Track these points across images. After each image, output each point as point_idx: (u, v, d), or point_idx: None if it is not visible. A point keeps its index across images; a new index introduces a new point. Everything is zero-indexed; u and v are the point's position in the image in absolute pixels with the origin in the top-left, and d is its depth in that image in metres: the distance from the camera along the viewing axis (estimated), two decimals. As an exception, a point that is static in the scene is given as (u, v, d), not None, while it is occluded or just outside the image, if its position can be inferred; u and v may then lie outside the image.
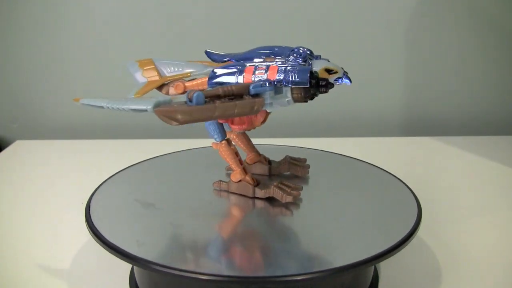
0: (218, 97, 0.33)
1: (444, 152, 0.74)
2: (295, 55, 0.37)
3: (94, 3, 0.77)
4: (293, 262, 0.33)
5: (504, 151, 0.73)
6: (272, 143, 0.53)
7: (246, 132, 0.44)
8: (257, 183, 0.41)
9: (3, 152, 0.74)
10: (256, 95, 0.35)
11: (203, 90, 0.34)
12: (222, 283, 0.30)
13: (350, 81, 0.37)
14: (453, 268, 0.43)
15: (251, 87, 0.35)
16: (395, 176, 0.46)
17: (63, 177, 0.63)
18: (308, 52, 0.37)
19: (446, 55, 0.82)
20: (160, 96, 0.34)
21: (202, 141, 0.65)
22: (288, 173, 0.45)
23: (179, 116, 0.31)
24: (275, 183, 0.40)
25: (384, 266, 0.42)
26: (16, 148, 0.75)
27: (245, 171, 0.41)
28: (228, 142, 0.41)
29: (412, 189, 0.43)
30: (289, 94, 0.36)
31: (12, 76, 0.80)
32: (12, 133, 0.83)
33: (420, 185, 0.46)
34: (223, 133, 0.40)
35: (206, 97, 0.32)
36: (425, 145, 0.76)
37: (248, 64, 0.37)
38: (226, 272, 0.31)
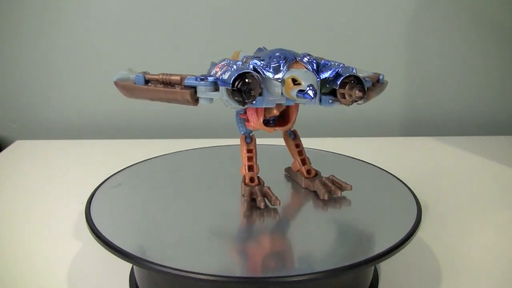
0: (157, 81, 0.36)
1: (444, 152, 0.74)
2: (271, 58, 0.35)
3: (94, 4, 0.77)
4: (293, 262, 0.33)
5: (504, 151, 0.73)
6: (272, 143, 0.53)
7: (289, 137, 0.44)
8: (257, 183, 0.41)
9: (3, 152, 0.74)
10: (189, 87, 0.35)
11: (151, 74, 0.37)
12: (222, 283, 0.30)
13: (311, 96, 0.32)
14: (453, 268, 0.43)
15: (185, 79, 0.35)
16: (395, 176, 0.46)
17: (63, 177, 0.63)
18: (293, 58, 0.35)
19: (446, 55, 0.82)
20: (132, 74, 0.39)
21: (202, 141, 0.65)
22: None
23: (122, 91, 0.39)
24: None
25: (384, 266, 0.42)
26: (16, 148, 0.75)
27: (251, 169, 0.41)
28: (248, 137, 0.42)
29: (412, 189, 0.43)
30: (224, 93, 0.34)
31: (12, 76, 0.80)
32: (12, 133, 0.83)
33: (420, 185, 0.46)
34: (245, 127, 0.41)
35: (147, 80, 0.37)
36: (425, 145, 0.76)
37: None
38: (226, 272, 0.31)
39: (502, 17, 0.80)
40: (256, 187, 0.40)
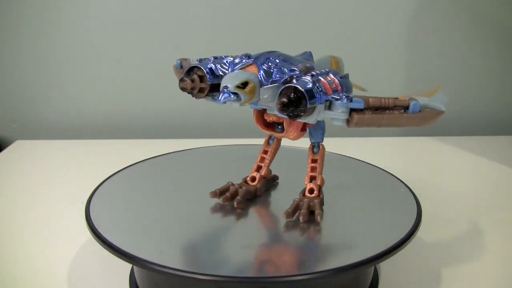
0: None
1: (444, 152, 0.74)
2: (240, 58, 0.36)
3: (94, 4, 0.77)
4: (293, 262, 0.33)
5: (504, 151, 0.73)
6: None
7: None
8: (255, 183, 0.42)
9: (3, 152, 0.74)
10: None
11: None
12: (222, 283, 0.30)
13: (218, 98, 0.33)
14: (453, 268, 0.43)
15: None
16: (395, 176, 0.46)
17: (63, 177, 0.63)
18: (251, 60, 0.35)
19: (446, 55, 0.82)
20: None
21: (202, 141, 0.65)
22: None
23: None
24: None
25: (384, 266, 0.42)
26: (16, 148, 0.75)
27: (258, 169, 0.42)
28: (271, 138, 0.42)
29: (412, 189, 0.43)
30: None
31: (12, 76, 0.80)
32: (12, 133, 0.83)
33: (420, 185, 0.46)
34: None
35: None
36: (425, 145, 0.76)
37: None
38: (226, 272, 0.31)
39: (502, 17, 0.80)
40: (237, 186, 0.41)
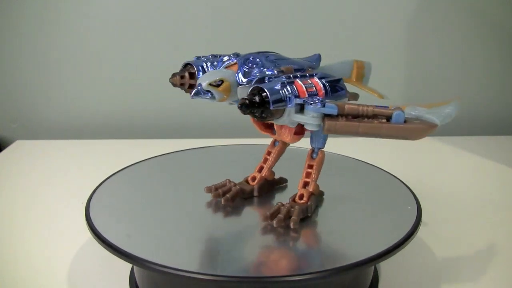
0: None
1: (444, 152, 0.74)
2: (228, 57, 0.37)
3: (94, 4, 0.77)
4: (293, 262, 0.33)
5: (504, 151, 0.73)
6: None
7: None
8: (252, 183, 0.42)
9: (3, 152, 0.74)
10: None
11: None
12: (222, 283, 0.30)
13: (191, 94, 0.34)
14: (453, 268, 0.43)
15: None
16: (395, 176, 0.46)
17: (63, 177, 0.63)
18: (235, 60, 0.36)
19: (446, 55, 0.82)
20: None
21: (202, 141, 0.65)
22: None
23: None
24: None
25: (384, 266, 0.42)
26: (16, 148, 0.75)
27: (260, 169, 0.42)
28: (275, 142, 0.42)
29: (412, 189, 0.43)
30: None
31: (12, 76, 0.80)
32: (12, 133, 0.83)
33: (420, 185, 0.46)
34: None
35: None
36: (425, 145, 0.76)
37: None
38: (226, 272, 0.31)
39: (502, 17, 0.80)
40: (232, 184, 0.41)
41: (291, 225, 0.35)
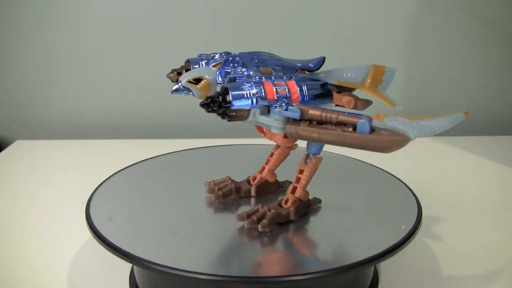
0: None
1: (444, 152, 0.74)
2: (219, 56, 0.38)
3: (94, 4, 0.77)
4: (293, 262, 0.33)
5: (504, 151, 0.73)
6: (272, 144, 0.53)
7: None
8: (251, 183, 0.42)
9: (3, 152, 0.74)
10: None
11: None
12: (222, 283, 0.30)
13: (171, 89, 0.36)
14: (453, 268, 0.43)
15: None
16: (395, 176, 0.46)
17: (63, 177, 0.63)
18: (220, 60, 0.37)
19: (446, 55, 0.82)
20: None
21: (202, 141, 0.65)
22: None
23: None
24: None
25: (384, 266, 0.42)
26: (16, 148, 0.75)
27: (260, 170, 0.42)
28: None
29: (412, 189, 0.43)
30: None
31: (12, 76, 0.80)
32: (12, 133, 0.83)
33: (420, 185, 0.46)
34: None
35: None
36: (425, 145, 0.76)
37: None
38: (226, 272, 0.31)
39: (502, 17, 0.80)
40: (229, 182, 0.42)
41: (259, 228, 0.35)
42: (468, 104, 0.84)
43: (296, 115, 0.32)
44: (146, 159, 0.50)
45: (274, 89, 0.33)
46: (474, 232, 0.49)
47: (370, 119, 0.30)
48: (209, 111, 0.32)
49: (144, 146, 0.73)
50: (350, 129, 0.31)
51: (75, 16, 0.78)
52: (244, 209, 0.40)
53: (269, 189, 0.42)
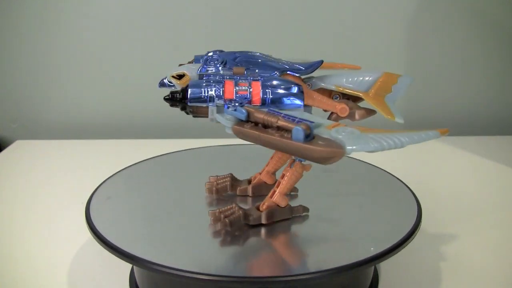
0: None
1: (444, 152, 0.74)
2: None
3: (94, 4, 0.77)
4: (293, 262, 0.33)
5: (504, 151, 0.73)
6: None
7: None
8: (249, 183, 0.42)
9: (3, 152, 0.74)
10: None
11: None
12: (222, 283, 0.30)
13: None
14: (453, 268, 0.43)
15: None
16: (395, 176, 0.46)
17: (63, 177, 0.63)
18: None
19: (446, 55, 0.82)
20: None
21: (202, 141, 0.65)
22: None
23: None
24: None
25: (384, 266, 0.42)
26: (16, 148, 0.75)
27: (260, 171, 0.42)
28: None
29: (412, 189, 0.43)
30: None
31: (12, 76, 0.80)
32: (12, 133, 0.83)
33: (420, 185, 0.46)
34: None
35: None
36: (425, 145, 0.76)
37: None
38: (226, 272, 0.31)
39: (502, 17, 0.80)
40: (228, 180, 0.42)
41: (218, 226, 0.35)
42: (468, 104, 0.84)
43: (242, 116, 0.33)
44: (146, 159, 0.50)
45: (235, 89, 0.34)
46: (474, 232, 0.49)
47: (307, 127, 0.29)
48: (171, 105, 0.35)
49: (144, 146, 0.73)
50: (289, 135, 0.30)
51: (75, 16, 0.78)
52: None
53: (267, 190, 0.42)
